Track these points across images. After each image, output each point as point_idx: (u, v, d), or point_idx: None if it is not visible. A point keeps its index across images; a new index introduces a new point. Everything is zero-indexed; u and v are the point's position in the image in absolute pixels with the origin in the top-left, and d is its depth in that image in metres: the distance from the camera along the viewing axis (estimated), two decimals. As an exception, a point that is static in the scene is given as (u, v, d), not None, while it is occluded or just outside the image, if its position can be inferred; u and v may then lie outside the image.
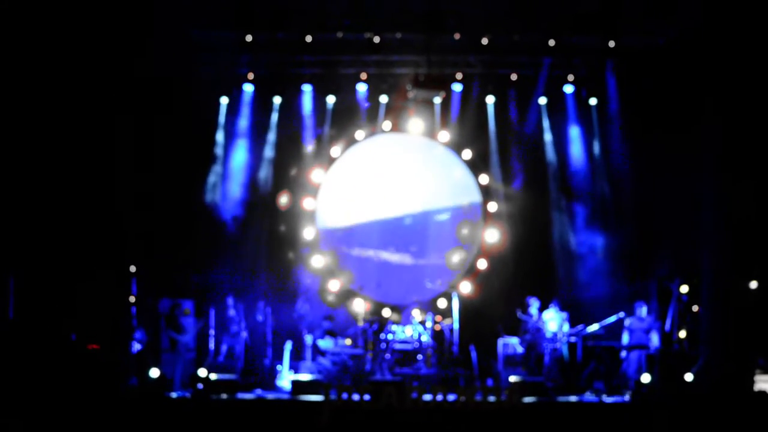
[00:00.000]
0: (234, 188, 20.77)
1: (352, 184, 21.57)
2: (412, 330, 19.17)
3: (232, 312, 19.09)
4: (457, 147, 21.64)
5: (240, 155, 20.95)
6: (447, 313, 19.81)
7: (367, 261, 21.35)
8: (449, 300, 20.04)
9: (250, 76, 20.55)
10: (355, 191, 21.52)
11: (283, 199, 21.01)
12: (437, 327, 19.44)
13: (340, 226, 21.36)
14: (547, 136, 21.41)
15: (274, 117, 21.14)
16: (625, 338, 18.18)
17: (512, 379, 17.08)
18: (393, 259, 21.36)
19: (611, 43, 19.40)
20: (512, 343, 19.07)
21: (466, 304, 19.92)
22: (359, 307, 20.30)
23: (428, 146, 21.71)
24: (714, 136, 17.70)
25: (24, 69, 16.25)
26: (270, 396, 17.17)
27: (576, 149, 21.22)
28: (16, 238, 16.18)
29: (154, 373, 16.51)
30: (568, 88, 21.02)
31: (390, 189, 21.53)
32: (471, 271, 21.34)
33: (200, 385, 16.41)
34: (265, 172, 21.04)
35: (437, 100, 20.60)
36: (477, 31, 19.36)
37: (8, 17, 16.06)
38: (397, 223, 21.41)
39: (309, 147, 21.29)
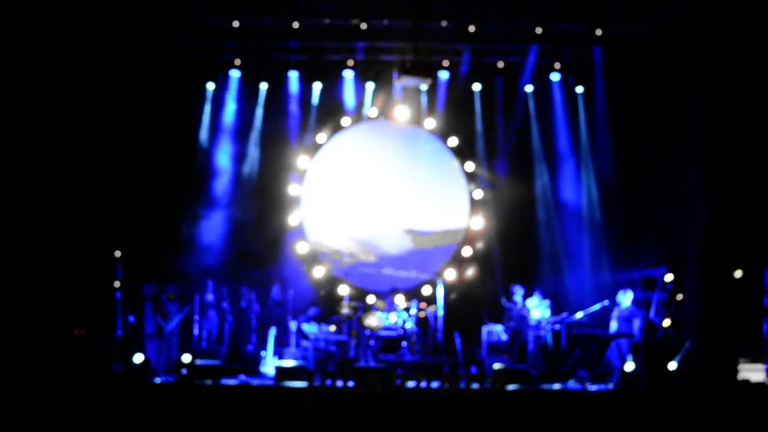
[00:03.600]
0: (220, 173, 20.74)
1: (338, 173, 21.60)
2: (396, 317, 19.17)
3: (210, 297, 19.07)
4: (443, 134, 21.65)
5: (226, 141, 20.91)
6: (431, 300, 19.82)
7: (352, 249, 21.42)
8: (434, 287, 20.07)
9: (237, 61, 20.49)
10: (340, 183, 21.59)
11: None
12: (421, 314, 19.43)
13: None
14: (534, 124, 21.42)
15: (261, 103, 21.11)
16: (613, 326, 18.20)
17: (496, 366, 17.07)
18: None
19: (598, 31, 19.38)
20: (496, 330, 19.11)
21: (450, 292, 19.93)
22: (343, 293, 20.35)
23: (415, 135, 21.72)
24: (699, 125, 17.72)
25: (8, 63, 16.18)
26: (254, 382, 17.14)
27: (562, 137, 21.23)
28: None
29: (138, 358, 16.47)
30: (555, 76, 21.01)
31: (376, 182, 21.59)
32: (456, 259, 21.37)
33: (184, 371, 16.39)
34: (251, 158, 21.00)
35: (424, 87, 20.57)
36: (464, 19, 19.33)
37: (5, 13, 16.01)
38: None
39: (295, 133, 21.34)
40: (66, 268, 16.22)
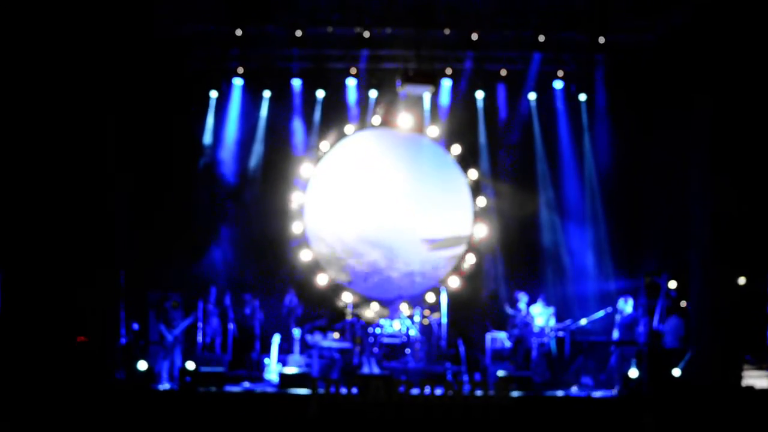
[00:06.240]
0: (223, 180, 20.76)
1: (341, 181, 21.61)
2: (400, 324, 19.17)
3: (213, 304, 19.05)
4: (446, 142, 21.66)
5: (229, 149, 20.93)
6: (435, 307, 19.82)
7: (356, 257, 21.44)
8: (437, 294, 20.07)
9: (240, 69, 20.51)
10: (343, 191, 21.57)
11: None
12: (425, 321, 19.44)
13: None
14: (536, 132, 21.40)
15: (264, 111, 21.14)
16: (615, 334, 18.19)
17: (500, 373, 17.08)
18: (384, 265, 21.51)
19: (601, 39, 19.39)
20: (500, 337, 19.09)
21: (454, 299, 19.93)
22: (347, 300, 20.35)
23: (418, 143, 21.73)
24: (702, 133, 17.73)
25: (11, 67, 16.24)
26: (258, 389, 17.16)
27: (565, 145, 21.23)
28: (3, 231, 16.13)
29: (142, 365, 16.48)
30: (558, 84, 21.00)
31: (379, 189, 21.61)
32: (459, 266, 21.37)
33: (188, 378, 16.38)
34: (254, 166, 21.02)
35: (427, 94, 20.59)
36: (467, 26, 19.35)
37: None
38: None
39: (298, 141, 21.35)
40: (68, 275, 16.28)
